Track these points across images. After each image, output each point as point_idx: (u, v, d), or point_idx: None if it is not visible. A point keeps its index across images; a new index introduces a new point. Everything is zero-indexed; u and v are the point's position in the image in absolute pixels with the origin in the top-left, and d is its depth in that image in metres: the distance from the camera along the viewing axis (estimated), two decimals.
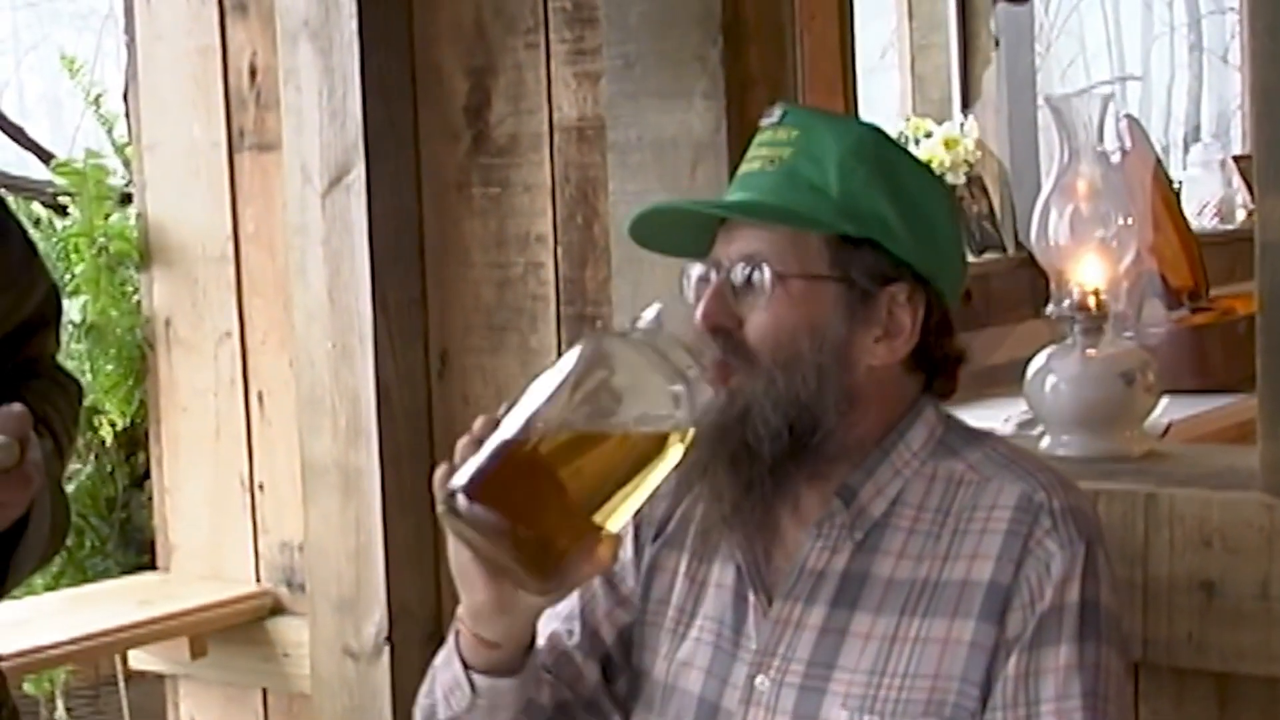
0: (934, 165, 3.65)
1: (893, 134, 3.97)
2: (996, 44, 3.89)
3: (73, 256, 2.80)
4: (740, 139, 1.89)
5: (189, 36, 2.69)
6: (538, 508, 1.20)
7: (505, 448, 1.21)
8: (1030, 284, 3.39)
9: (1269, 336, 1.64)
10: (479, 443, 1.23)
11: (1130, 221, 1.94)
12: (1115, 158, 3.21)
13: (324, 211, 2.40)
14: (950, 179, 3.70)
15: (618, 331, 1.34)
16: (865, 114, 2.67)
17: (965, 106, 3.93)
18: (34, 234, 2.67)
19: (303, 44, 2.40)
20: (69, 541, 2.73)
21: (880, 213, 1.40)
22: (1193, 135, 8.84)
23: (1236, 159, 4.87)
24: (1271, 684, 1.66)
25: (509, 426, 1.22)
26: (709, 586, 1.48)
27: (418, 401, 2.44)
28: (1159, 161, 3.55)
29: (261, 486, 2.69)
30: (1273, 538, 1.62)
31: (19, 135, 3.42)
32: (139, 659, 2.75)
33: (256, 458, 2.69)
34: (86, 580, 2.81)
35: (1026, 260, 3.27)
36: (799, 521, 1.44)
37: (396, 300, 2.40)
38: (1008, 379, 2.73)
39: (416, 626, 2.41)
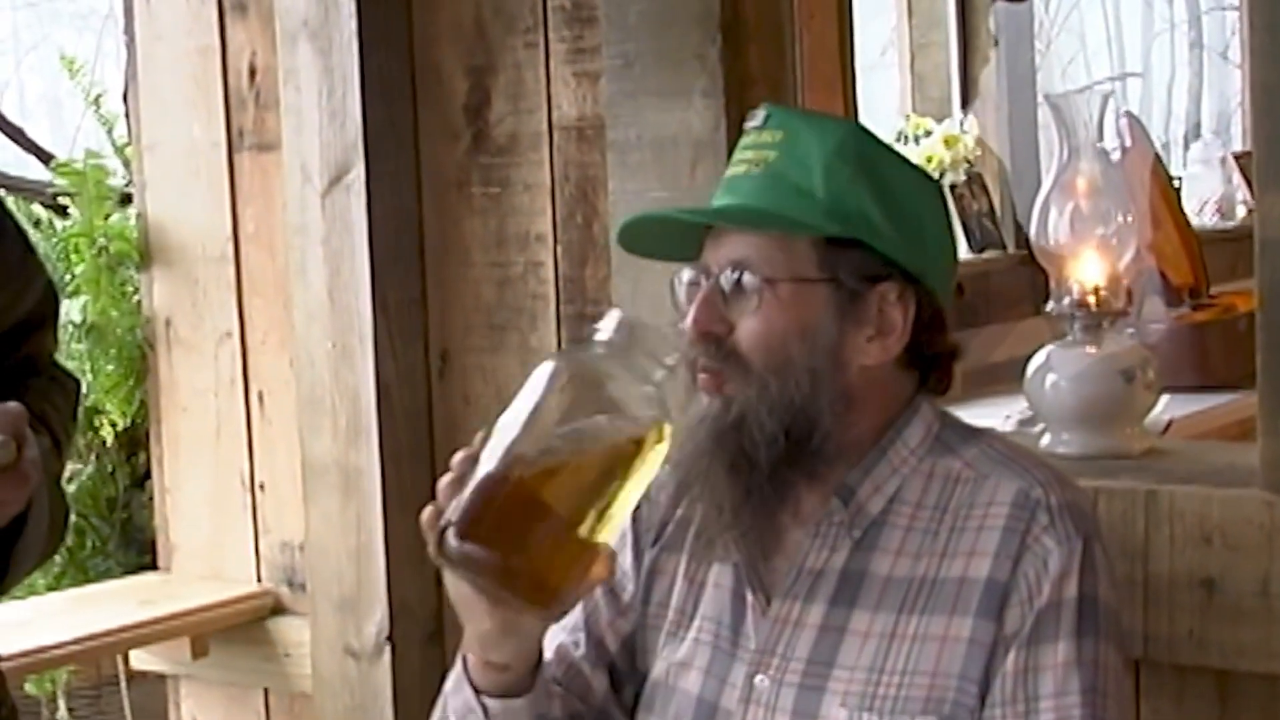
0: (934, 163, 3.65)
1: (893, 132, 3.97)
2: (996, 42, 3.89)
3: (73, 257, 2.80)
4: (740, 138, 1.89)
5: (189, 36, 2.69)
6: (528, 537, 1.21)
7: (488, 483, 1.21)
8: (1030, 281, 3.39)
9: (1269, 333, 1.64)
10: (461, 481, 1.23)
11: (1130, 219, 1.94)
12: (1115, 155, 3.21)
13: (324, 211, 2.40)
14: (950, 177, 3.70)
15: (579, 347, 1.34)
16: (865, 112, 2.66)
17: (965, 104, 3.93)
18: (34, 235, 2.69)
19: (302, 44, 2.40)
20: (70, 542, 2.75)
21: (866, 212, 1.39)
22: (1193, 132, 8.82)
23: (1237, 156, 4.87)
24: (1272, 681, 1.65)
25: (488, 460, 1.22)
26: (707, 587, 1.48)
27: (418, 401, 2.44)
28: (1159, 159, 3.55)
29: (262, 486, 2.69)
30: (1273, 535, 1.62)
31: (19, 136, 3.42)
32: (140, 659, 2.75)
33: (257, 457, 2.69)
34: (88, 580, 2.81)
35: (1026, 258, 3.27)
36: (798, 522, 1.44)
37: (396, 300, 2.40)
38: (1008, 377, 2.74)
39: (417, 626, 2.40)
